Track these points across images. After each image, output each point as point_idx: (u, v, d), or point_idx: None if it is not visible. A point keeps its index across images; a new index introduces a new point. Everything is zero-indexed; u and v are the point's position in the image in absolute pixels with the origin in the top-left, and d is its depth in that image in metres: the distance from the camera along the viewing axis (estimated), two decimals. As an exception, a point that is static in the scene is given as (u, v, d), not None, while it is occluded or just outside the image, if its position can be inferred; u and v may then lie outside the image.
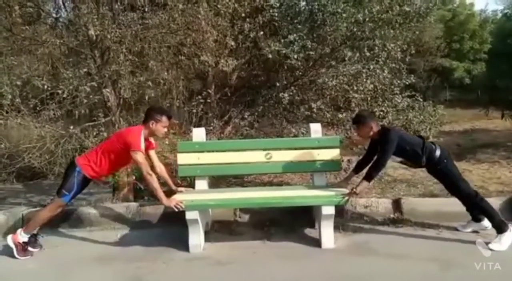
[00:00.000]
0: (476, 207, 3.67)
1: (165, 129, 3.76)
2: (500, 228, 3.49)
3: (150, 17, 4.94)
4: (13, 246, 3.57)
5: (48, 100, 4.75)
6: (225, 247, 3.74)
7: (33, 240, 3.66)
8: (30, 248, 3.62)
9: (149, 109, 3.79)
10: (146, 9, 5.06)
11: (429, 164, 3.66)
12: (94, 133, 4.74)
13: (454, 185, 3.67)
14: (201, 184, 4.18)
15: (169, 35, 5.00)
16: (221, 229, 4.14)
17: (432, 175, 3.84)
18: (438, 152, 3.61)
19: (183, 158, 4.15)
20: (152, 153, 3.90)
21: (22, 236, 3.60)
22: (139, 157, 3.51)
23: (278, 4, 5.54)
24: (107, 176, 4.21)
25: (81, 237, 4.00)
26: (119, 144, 3.58)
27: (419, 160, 3.62)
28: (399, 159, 3.75)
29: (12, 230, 3.90)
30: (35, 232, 3.69)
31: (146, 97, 5.03)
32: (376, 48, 5.52)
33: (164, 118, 3.68)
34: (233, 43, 5.33)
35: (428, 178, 4.69)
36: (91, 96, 4.75)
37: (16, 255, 3.54)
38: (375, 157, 3.65)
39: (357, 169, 4.01)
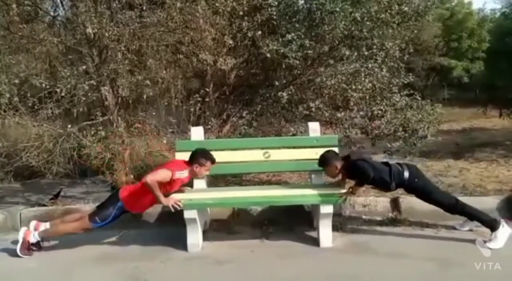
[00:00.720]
0: (460, 214, 3.69)
1: (207, 172, 3.84)
2: (492, 227, 3.51)
3: (148, 15, 4.92)
4: (20, 240, 3.58)
5: (46, 98, 4.72)
6: (224, 246, 3.74)
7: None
8: (33, 248, 3.63)
9: (196, 152, 3.82)
10: (144, 8, 5.04)
11: (401, 186, 3.68)
12: (92, 132, 4.72)
13: (432, 200, 3.70)
14: (200, 183, 4.17)
15: (167, 33, 4.99)
16: (219, 228, 4.14)
17: (409, 193, 3.86)
18: (406, 174, 3.62)
19: (181, 157, 4.13)
20: None
21: (34, 237, 3.62)
22: (164, 172, 3.52)
23: (276, 3, 5.52)
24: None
25: (79, 237, 3.97)
26: None
27: (389, 186, 3.64)
28: (369, 185, 3.78)
29: (10, 229, 3.90)
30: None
31: (144, 96, 5.02)
32: (375, 47, 5.52)
33: (208, 163, 3.77)
34: (231, 42, 5.32)
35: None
36: (89, 95, 4.74)
37: (18, 251, 3.55)
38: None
39: None
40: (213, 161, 3.81)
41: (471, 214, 3.64)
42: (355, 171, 3.64)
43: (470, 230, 3.81)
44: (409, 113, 5.59)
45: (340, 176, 3.96)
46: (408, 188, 3.72)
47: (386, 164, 3.73)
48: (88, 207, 4.35)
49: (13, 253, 3.56)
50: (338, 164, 3.75)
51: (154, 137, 4.96)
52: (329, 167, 3.79)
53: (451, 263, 3.20)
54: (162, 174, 3.51)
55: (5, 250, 3.67)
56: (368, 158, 3.82)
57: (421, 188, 3.67)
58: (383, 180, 3.61)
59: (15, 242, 3.63)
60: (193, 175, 3.82)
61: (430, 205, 4.16)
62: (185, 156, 4.12)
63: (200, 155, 3.77)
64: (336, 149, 4.12)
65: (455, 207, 3.64)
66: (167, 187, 3.62)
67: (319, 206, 3.55)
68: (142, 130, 4.90)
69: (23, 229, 3.66)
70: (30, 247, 3.59)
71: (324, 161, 3.81)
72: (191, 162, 3.76)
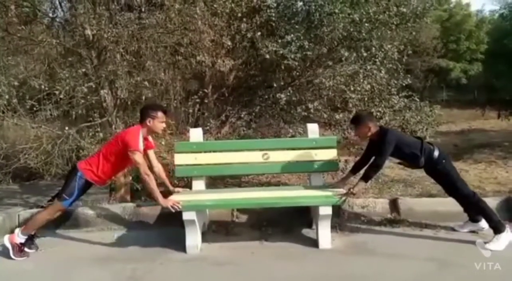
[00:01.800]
0: (474, 208, 3.68)
1: (163, 124, 3.73)
2: (497, 229, 3.50)
3: (147, 17, 4.93)
4: (9, 246, 3.56)
5: (45, 100, 4.72)
6: (223, 247, 3.73)
7: (29, 241, 3.65)
8: (26, 249, 3.60)
9: (143, 108, 3.78)
10: (143, 9, 5.05)
11: (428, 165, 3.66)
12: (90, 134, 4.72)
13: (453, 186, 3.68)
14: (198, 184, 4.17)
15: (166, 35, 4.99)
16: (218, 229, 4.13)
17: (430, 176, 3.85)
18: (436, 153, 3.62)
19: (180, 159, 4.14)
20: (151, 152, 3.88)
21: (19, 237, 3.58)
22: (137, 157, 3.49)
23: (275, 5, 5.54)
24: (109, 181, 4.16)
25: (78, 238, 3.99)
26: (119, 146, 3.56)
27: (417, 161, 3.63)
28: (397, 160, 3.77)
29: (8, 231, 3.88)
30: (32, 233, 3.68)
31: (143, 98, 5.01)
32: (373, 48, 5.53)
33: (159, 114, 3.65)
34: (229, 43, 5.33)
35: (425, 178, 4.72)
36: (88, 97, 4.73)
37: (12, 256, 3.53)
38: (373, 158, 3.66)
39: (354, 170, 4.03)
40: (163, 110, 3.71)
41: (483, 210, 3.61)
42: (381, 141, 3.60)
43: (472, 232, 3.81)
44: (408, 114, 5.61)
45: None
46: (432, 168, 3.69)
47: (418, 138, 3.76)
48: (88, 208, 4.35)
49: (9, 256, 3.54)
50: (373, 127, 3.69)
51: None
52: (362, 126, 3.71)
53: (451, 264, 3.20)
54: (141, 160, 3.49)
55: (3, 252, 3.65)
56: (403, 133, 3.79)
57: (445, 171, 3.65)
58: (413, 154, 3.61)
59: (2, 246, 3.61)
60: (149, 132, 3.72)
61: (428, 206, 4.19)
62: (185, 157, 4.13)
63: (149, 108, 3.69)
64: (335, 151, 4.14)
65: (471, 199, 3.63)
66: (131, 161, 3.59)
67: (318, 207, 3.54)
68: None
69: (6, 236, 3.62)
70: (22, 249, 3.57)
71: (358, 119, 3.77)
72: (142, 120, 3.66)
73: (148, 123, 3.63)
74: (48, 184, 5.75)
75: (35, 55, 5.19)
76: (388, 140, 3.56)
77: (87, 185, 3.67)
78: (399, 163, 3.91)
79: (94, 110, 5.02)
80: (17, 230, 3.64)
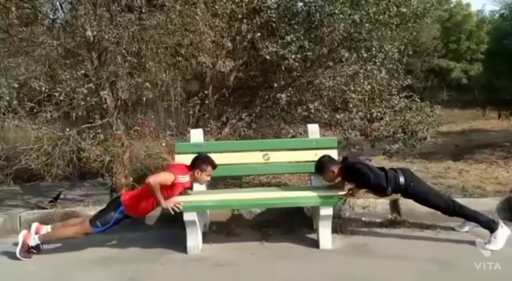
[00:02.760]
0: (458, 216, 3.68)
1: (208, 178, 3.84)
2: (491, 228, 3.51)
3: (148, 18, 4.93)
4: (20, 243, 3.57)
5: (45, 102, 4.73)
6: (223, 248, 3.74)
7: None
8: (33, 251, 3.62)
9: (196, 158, 3.82)
10: (144, 10, 5.04)
11: (397, 191, 3.67)
12: (91, 135, 4.72)
13: (429, 203, 3.69)
14: (199, 185, 4.16)
15: (166, 36, 4.99)
16: (219, 230, 4.14)
17: (406, 198, 3.86)
18: (402, 179, 3.61)
19: (181, 160, 4.13)
20: None
21: (34, 240, 3.60)
22: (166, 174, 3.52)
23: (275, 5, 5.55)
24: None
25: (79, 239, 3.98)
26: None
27: (384, 191, 3.63)
28: (365, 190, 3.79)
29: (10, 232, 3.89)
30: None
31: (144, 99, 5.02)
32: (373, 49, 5.53)
33: (209, 168, 3.76)
34: (229, 44, 5.33)
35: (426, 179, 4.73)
36: (88, 98, 4.73)
37: (18, 253, 3.54)
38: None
39: None
40: (214, 166, 3.80)
41: (468, 215, 3.63)
42: (354, 174, 3.64)
43: (470, 231, 3.81)
44: (408, 115, 5.60)
45: (339, 178, 3.96)
46: (404, 193, 3.70)
47: (382, 169, 3.73)
48: (88, 209, 4.35)
49: (12, 256, 3.55)
50: (335, 169, 3.75)
51: (153, 139, 4.96)
52: (326, 172, 3.79)
53: (451, 264, 3.20)
54: (165, 176, 3.51)
55: (5, 253, 3.66)
56: (365, 162, 3.81)
57: (417, 192, 3.66)
58: (379, 185, 3.60)
59: (16, 244, 3.62)
60: (194, 180, 3.82)
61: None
62: (184, 158, 4.13)
63: (201, 161, 3.77)
64: (335, 151, 4.12)
65: (452, 209, 3.63)
66: (169, 191, 3.59)
67: (318, 208, 3.55)
68: (141, 133, 4.90)
69: (23, 232, 3.65)
70: (29, 250, 3.58)
71: (320, 167, 3.82)
72: (192, 167, 3.76)
73: (196, 174, 3.73)
74: (49, 185, 5.76)
75: (36, 56, 5.19)
76: (357, 168, 3.59)
77: (123, 218, 3.67)
78: (367, 192, 3.94)
79: (94, 111, 5.02)
80: (33, 229, 3.66)
